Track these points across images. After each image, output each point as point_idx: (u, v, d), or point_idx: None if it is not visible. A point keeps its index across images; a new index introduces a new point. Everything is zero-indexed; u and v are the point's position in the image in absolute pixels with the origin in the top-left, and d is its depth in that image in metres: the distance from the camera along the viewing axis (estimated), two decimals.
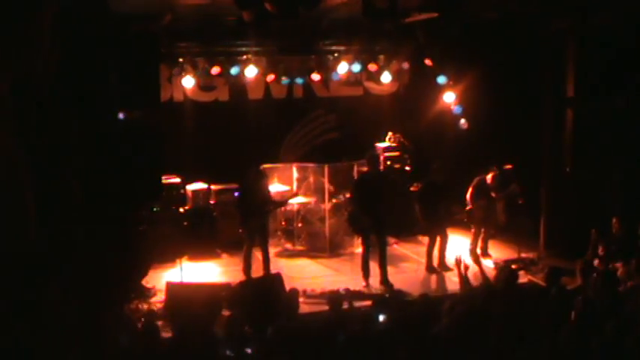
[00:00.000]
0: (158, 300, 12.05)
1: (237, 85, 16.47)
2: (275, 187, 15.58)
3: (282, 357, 7.68)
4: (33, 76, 7.54)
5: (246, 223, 13.29)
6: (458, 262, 10.69)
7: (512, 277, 9.96)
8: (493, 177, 14.30)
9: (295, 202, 15.48)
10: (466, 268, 10.27)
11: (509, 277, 9.91)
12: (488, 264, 13.87)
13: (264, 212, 13.35)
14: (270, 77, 16.12)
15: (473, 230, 14.67)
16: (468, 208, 14.45)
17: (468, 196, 14.38)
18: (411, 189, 15.50)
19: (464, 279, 10.21)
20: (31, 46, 7.01)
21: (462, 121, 16.35)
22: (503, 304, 8.60)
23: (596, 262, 11.48)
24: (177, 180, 14.94)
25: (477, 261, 13.54)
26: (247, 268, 13.21)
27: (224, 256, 15.09)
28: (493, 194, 14.39)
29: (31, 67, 7.10)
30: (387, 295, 11.81)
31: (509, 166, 15.16)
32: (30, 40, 6.97)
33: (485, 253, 14.59)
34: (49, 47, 7.44)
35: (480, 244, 14.62)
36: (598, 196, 13.55)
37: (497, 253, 14.68)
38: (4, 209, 6.88)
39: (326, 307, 10.07)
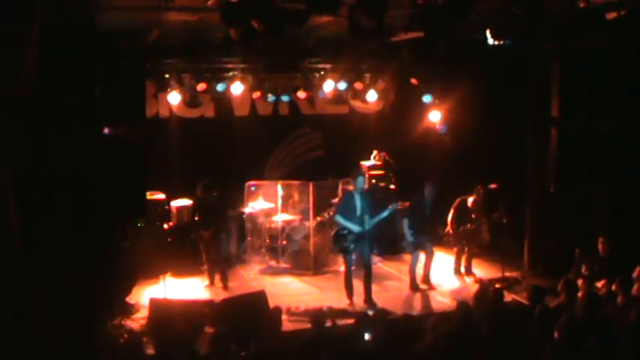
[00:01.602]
0: (141, 316, 11.99)
1: (223, 102, 16.48)
2: (259, 204, 15.60)
3: None
4: (17, 90, 7.51)
5: (197, 233, 14.09)
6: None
7: (498, 296, 9.99)
8: (474, 201, 14.38)
9: (280, 219, 15.51)
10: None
11: (495, 297, 9.93)
12: (470, 282, 13.92)
13: (213, 224, 13.86)
14: (256, 94, 16.13)
15: (456, 250, 14.73)
16: (446, 229, 14.55)
17: (449, 217, 14.46)
18: (398, 207, 15.51)
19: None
20: (13, 61, 6.99)
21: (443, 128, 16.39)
22: (488, 323, 8.61)
23: (579, 281, 11.51)
24: (162, 196, 14.89)
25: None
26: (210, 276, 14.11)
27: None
28: (474, 216, 14.46)
29: (14, 80, 7.06)
30: (370, 314, 11.80)
31: (493, 186, 15.21)
32: (13, 54, 6.95)
33: (469, 272, 14.62)
34: (35, 62, 7.42)
35: (464, 263, 14.66)
36: (582, 216, 13.60)
37: (481, 271, 14.70)
38: None
39: (309, 325, 10.04)
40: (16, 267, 7.31)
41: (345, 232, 12.70)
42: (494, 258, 14.99)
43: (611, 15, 10.54)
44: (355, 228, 12.59)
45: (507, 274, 13.98)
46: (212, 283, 14.07)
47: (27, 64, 7.12)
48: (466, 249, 14.65)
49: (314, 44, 14.42)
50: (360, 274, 12.94)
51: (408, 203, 14.46)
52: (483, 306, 9.74)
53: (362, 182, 12.93)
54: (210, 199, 14.00)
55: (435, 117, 16.42)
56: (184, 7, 11.24)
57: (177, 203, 15.17)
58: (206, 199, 13.98)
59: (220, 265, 14.16)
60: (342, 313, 11.97)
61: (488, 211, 14.82)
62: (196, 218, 14.20)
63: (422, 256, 13.86)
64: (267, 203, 15.73)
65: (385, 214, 12.83)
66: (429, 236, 13.93)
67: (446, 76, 15.44)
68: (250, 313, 10.92)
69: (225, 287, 13.87)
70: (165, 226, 14.92)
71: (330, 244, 14.43)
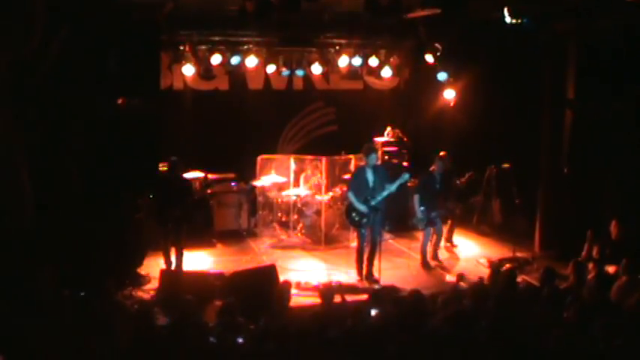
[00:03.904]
0: (152, 287, 12.05)
1: (238, 75, 16.50)
2: (271, 178, 15.61)
3: (273, 348, 7.68)
4: (32, 61, 7.53)
5: (160, 214, 12.78)
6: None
7: (511, 277, 9.98)
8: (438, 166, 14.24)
9: (292, 193, 15.52)
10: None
11: (508, 278, 9.92)
12: (482, 262, 13.90)
13: (178, 204, 12.71)
14: (271, 68, 16.12)
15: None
16: None
17: None
18: (409, 184, 15.49)
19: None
20: (27, 25, 7.01)
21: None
22: (498, 303, 8.61)
23: (590, 264, 11.49)
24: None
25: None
26: (167, 261, 12.83)
27: (218, 245, 15.10)
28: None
29: (28, 46, 7.09)
30: (379, 290, 11.80)
31: (507, 166, 15.17)
32: (26, 19, 6.96)
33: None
34: (50, 30, 7.42)
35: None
36: (594, 198, 13.54)
37: (493, 251, 14.67)
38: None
39: (318, 301, 10.07)
40: (28, 237, 7.36)
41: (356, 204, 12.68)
42: (505, 238, 14.97)
43: None
44: (362, 208, 12.53)
45: (518, 254, 13.94)
46: (171, 264, 12.85)
47: (38, 30, 7.13)
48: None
49: (329, 19, 14.35)
50: (367, 249, 12.90)
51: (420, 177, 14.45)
52: (497, 286, 9.76)
53: (374, 158, 12.86)
54: (178, 177, 13.03)
55: (449, 95, 16.36)
56: None
57: (190, 175, 15.17)
58: (173, 178, 12.93)
59: (180, 246, 12.90)
60: (352, 289, 11.99)
61: (501, 191, 14.77)
62: (160, 197, 12.91)
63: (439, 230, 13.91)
64: (279, 177, 15.74)
65: (397, 183, 12.70)
66: (440, 212, 13.86)
67: (461, 54, 15.37)
68: (260, 287, 10.95)
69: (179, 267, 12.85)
70: None
71: (342, 219, 14.43)
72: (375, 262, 12.72)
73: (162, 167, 13.51)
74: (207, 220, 15.27)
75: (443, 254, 14.40)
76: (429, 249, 13.88)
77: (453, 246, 15.00)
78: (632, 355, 7.15)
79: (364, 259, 12.83)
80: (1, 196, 6.94)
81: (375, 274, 12.69)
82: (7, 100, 7.11)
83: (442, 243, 14.59)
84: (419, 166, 15.39)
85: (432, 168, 13.85)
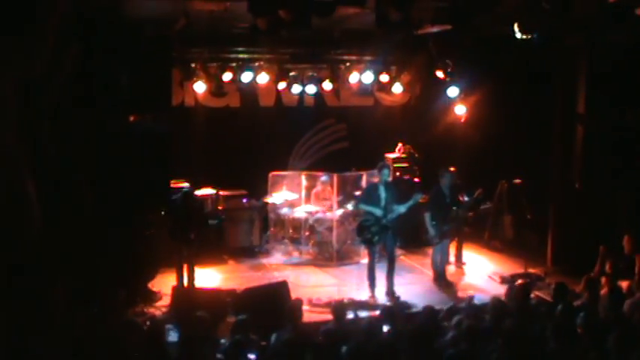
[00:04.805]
0: (163, 304, 12.06)
1: (249, 92, 16.52)
2: (282, 195, 15.62)
3: None
4: (43, 78, 7.54)
5: (173, 236, 12.93)
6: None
7: (525, 293, 9.93)
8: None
9: (303, 210, 15.52)
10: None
11: (522, 294, 9.88)
12: (494, 278, 13.86)
13: (190, 228, 12.90)
14: (282, 85, 16.15)
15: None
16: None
17: None
18: (420, 201, 15.45)
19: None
20: (32, 47, 7.01)
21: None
22: (515, 320, 8.56)
23: (603, 279, 11.44)
24: (186, 185, 14.91)
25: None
26: (179, 278, 12.82)
27: (230, 262, 15.11)
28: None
29: (33, 67, 7.09)
30: (391, 306, 11.77)
31: (518, 181, 15.14)
32: (32, 40, 6.97)
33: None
34: (61, 50, 7.44)
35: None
36: (607, 213, 13.50)
37: (504, 267, 14.63)
38: (5, 205, 6.84)
39: (330, 317, 10.04)
40: (38, 253, 7.35)
41: (369, 223, 12.67)
42: (517, 253, 14.91)
43: None
44: (378, 211, 12.54)
45: (530, 270, 13.89)
46: (183, 280, 12.89)
47: (44, 51, 7.13)
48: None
49: (340, 36, 14.38)
50: (384, 266, 12.91)
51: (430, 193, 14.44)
52: (515, 302, 9.72)
53: (387, 174, 12.91)
54: (191, 204, 13.25)
55: (460, 110, 16.36)
56: None
57: (202, 192, 15.21)
58: (188, 205, 13.12)
59: (192, 263, 13.05)
60: (364, 305, 11.98)
61: (512, 206, 14.72)
62: (175, 222, 13.01)
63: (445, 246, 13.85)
64: (290, 194, 15.75)
65: (409, 204, 12.74)
66: (451, 225, 13.78)
67: (472, 70, 15.37)
68: (272, 304, 10.93)
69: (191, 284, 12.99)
70: None
71: (354, 235, 14.41)
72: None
73: (175, 184, 13.53)
74: (219, 236, 15.28)
75: (453, 272, 14.36)
76: (452, 259, 13.87)
77: (462, 264, 14.92)
78: None
79: (379, 277, 12.81)
80: (6, 208, 6.92)
81: (394, 290, 12.71)
82: (11, 118, 7.10)
83: (452, 258, 14.55)
84: (430, 182, 15.38)
85: (440, 182, 13.80)
